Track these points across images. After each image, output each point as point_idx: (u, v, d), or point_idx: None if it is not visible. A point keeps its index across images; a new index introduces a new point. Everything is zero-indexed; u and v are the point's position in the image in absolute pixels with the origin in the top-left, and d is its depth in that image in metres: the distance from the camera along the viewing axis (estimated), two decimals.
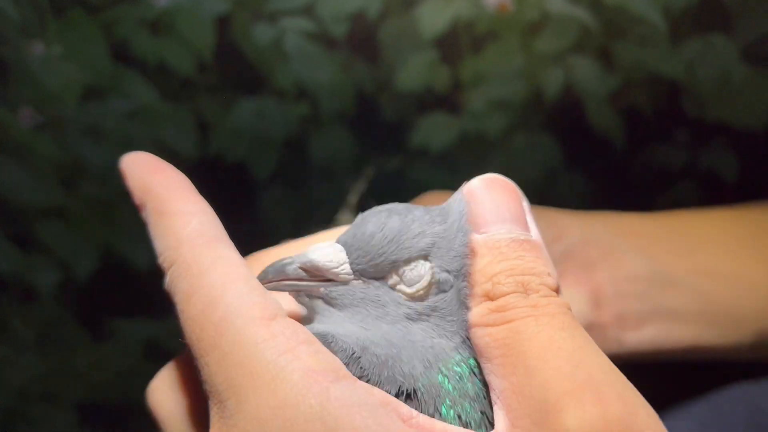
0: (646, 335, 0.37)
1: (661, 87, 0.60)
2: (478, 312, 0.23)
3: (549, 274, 0.23)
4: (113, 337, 0.74)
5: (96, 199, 0.68)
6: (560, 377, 0.21)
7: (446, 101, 0.62)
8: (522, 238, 0.24)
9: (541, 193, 0.64)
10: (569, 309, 0.23)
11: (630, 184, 0.65)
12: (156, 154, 0.68)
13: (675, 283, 0.38)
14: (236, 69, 0.61)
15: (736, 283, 0.40)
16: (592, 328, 0.36)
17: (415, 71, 0.61)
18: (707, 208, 0.49)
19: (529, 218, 0.25)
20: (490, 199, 0.25)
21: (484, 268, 0.24)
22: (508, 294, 0.22)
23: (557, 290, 0.23)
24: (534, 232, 0.25)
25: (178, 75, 0.63)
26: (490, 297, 0.23)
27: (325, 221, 0.62)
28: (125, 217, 0.68)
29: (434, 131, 0.63)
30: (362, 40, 0.60)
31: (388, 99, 0.62)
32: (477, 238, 0.24)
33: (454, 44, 0.59)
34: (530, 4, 0.57)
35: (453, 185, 0.64)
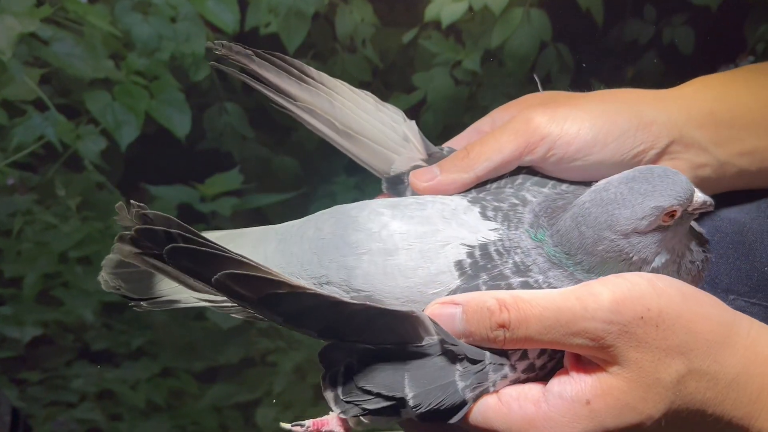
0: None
1: None
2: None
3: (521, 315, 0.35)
4: (149, 202, 0.82)
5: (140, 71, 0.75)
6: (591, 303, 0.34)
7: None
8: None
9: (534, 61, 0.76)
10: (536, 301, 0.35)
11: (606, 55, 0.77)
12: (199, 28, 0.76)
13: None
14: None
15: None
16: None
17: None
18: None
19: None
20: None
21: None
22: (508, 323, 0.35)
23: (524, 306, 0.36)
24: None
25: None
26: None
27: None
28: (166, 88, 0.76)
29: (445, 6, 0.73)
30: None
31: None
32: None
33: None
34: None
35: (460, 55, 0.75)
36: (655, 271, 0.36)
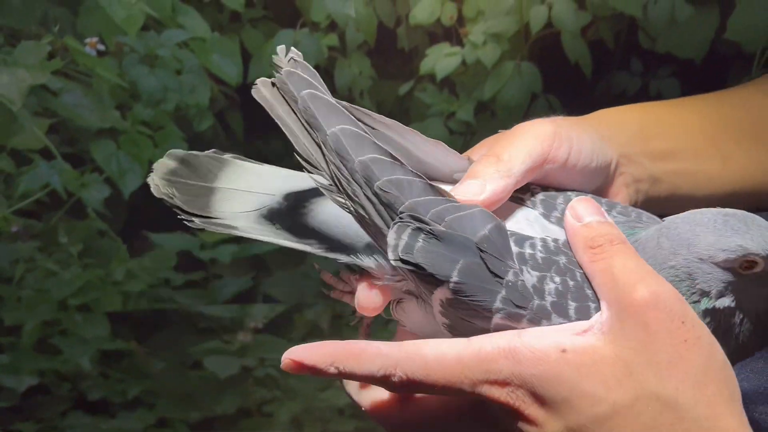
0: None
1: (621, 23, 0.76)
2: (586, 256, 0.37)
3: (619, 234, 0.37)
4: (149, 249, 0.84)
5: (145, 121, 0.78)
6: (632, 276, 0.35)
7: (451, 34, 0.76)
8: (602, 220, 0.37)
9: (525, 112, 0.79)
10: (630, 246, 0.36)
11: (595, 106, 0.80)
12: (203, 80, 0.79)
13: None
14: (278, 4, 0.73)
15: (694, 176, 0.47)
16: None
17: (426, 7, 0.74)
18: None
19: (604, 210, 0.38)
20: (583, 207, 0.38)
21: (587, 234, 0.37)
22: (602, 245, 0.36)
23: (623, 240, 0.37)
24: (608, 217, 0.38)
25: (228, 9, 0.74)
26: (591, 246, 0.36)
27: None
28: (170, 138, 0.79)
29: (440, 60, 0.76)
30: None
31: (403, 31, 0.75)
32: (578, 224, 0.37)
33: None
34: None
35: (454, 107, 0.78)
36: (709, 312, 0.35)
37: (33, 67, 0.75)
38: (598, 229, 0.36)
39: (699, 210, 0.36)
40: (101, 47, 0.75)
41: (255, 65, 0.77)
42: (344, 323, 0.86)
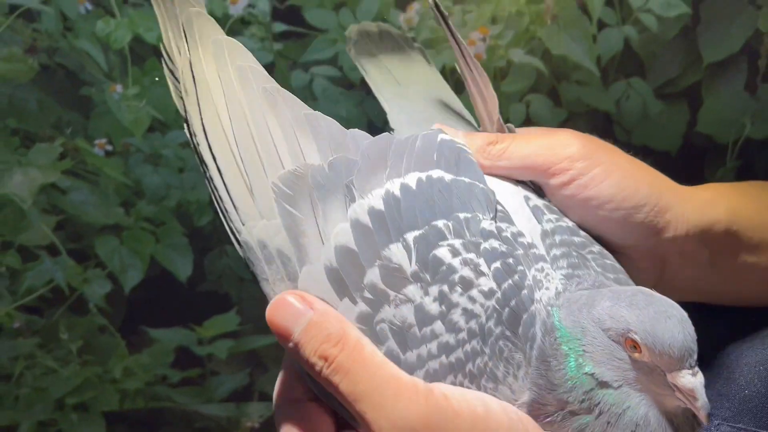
0: None
1: (597, 118, 0.80)
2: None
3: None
4: (147, 346, 0.85)
5: (148, 217, 0.82)
6: None
7: None
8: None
9: None
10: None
11: None
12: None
13: None
14: None
15: None
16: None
17: None
18: None
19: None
20: None
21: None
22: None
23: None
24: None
25: None
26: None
27: None
28: (171, 233, 0.82)
29: None
30: None
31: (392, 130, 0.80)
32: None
33: None
34: (498, 54, 0.77)
35: None
36: (592, 381, 0.30)
37: (45, 167, 0.80)
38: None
39: (625, 279, 0.34)
40: (109, 148, 0.80)
41: None
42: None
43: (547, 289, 0.32)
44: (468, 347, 0.29)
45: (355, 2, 0.77)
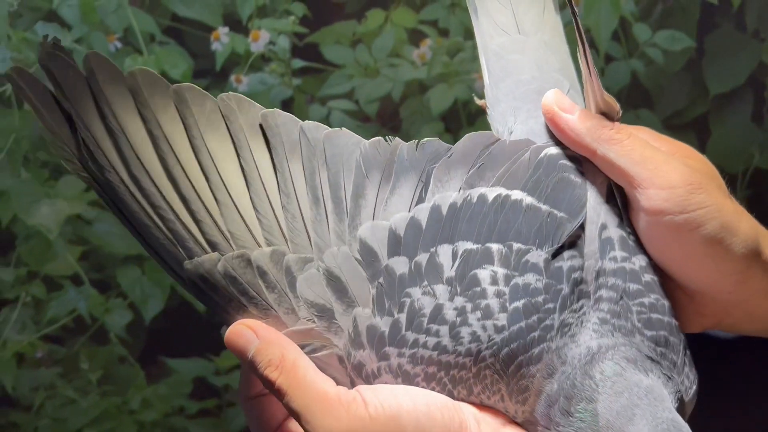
0: None
1: None
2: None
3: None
4: (166, 376, 0.86)
5: None
6: None
7: None
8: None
9: None
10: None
11: None
12: None
13: None
14: None
15: None
16: None
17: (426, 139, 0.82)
18: None
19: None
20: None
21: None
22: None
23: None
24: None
25: None
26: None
27: None
28: None
29: None
30: (388, 116, 0.81)
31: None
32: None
33: (455, 118, 0.81)
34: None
35: None
36: None
37: (72, 197, 0.83)
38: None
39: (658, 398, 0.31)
40: None
41: None
42: None
43: (572, 335, 0.32)
44: (460, 359, 0.31)
45: (371, 39, 0.80)
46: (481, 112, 0.86)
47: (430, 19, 0.79)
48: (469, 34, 0.79)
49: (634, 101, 0.81)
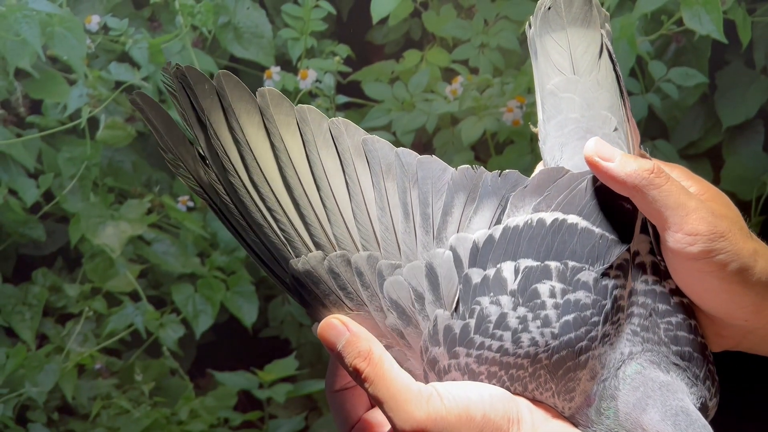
0: None
1: None
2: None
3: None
4: (213, 388, 0.92)
5: (221, 267, 0.91)
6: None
7: None
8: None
9: None
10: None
11: None
12: None
13: None
14: None
15: None
16: None
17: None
18: None
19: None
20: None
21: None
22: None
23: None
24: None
25: None
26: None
27: None
28: (240, 281, 0.91)
29: None
30: (422, 146, 0.89)
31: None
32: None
33: (484, 148, 0.88)
34: (534, 120, 0.86)
35: None
36: None
37: (134, 220, 0.91)
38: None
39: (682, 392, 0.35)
40: (191, 204, 0.90)
41: None
42: None
43: (611, 344, 0.36)
44: (519, 360, 0.36)
45: (407, 77, 0.88)
46: (508, 142, 0.95)
47: (462, 58, 0.87)
48: (497, 71, 0.87)
49: (652, 132, 0.87)
